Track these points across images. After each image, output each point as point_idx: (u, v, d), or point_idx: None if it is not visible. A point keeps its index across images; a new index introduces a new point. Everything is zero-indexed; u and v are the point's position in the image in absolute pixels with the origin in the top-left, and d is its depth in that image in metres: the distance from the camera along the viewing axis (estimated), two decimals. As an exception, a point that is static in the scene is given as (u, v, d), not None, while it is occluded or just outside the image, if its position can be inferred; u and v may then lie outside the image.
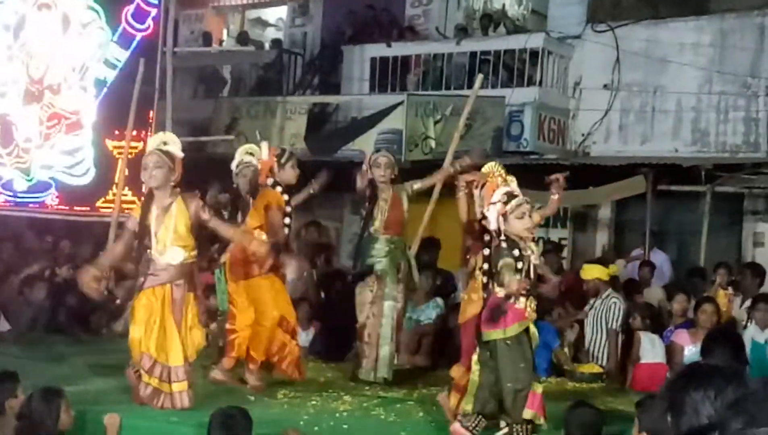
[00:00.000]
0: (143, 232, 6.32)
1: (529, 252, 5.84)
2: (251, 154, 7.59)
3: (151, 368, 6.23)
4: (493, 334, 5.78)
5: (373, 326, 7.58)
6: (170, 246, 6.27)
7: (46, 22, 11.35)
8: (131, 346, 6.34)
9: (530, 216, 5.87)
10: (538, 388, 5.79)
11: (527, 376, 5.76)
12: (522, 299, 5.76)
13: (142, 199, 6.57)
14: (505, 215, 5.76)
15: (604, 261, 9.33)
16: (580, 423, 5.26)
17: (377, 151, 8.34)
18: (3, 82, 11.42)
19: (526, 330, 5.83)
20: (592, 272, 8.74)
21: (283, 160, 7.46)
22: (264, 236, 6.99)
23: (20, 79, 11.36)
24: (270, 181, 7.43)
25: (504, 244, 5.76)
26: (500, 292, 5.78)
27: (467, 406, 5.93)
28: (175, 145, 6.39)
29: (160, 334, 6.25)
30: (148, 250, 6.32)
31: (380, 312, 7.58)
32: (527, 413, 5.71)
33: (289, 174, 7.47)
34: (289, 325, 7.33)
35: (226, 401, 6.24)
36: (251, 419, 5.01)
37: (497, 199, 5.81)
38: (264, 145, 7.63)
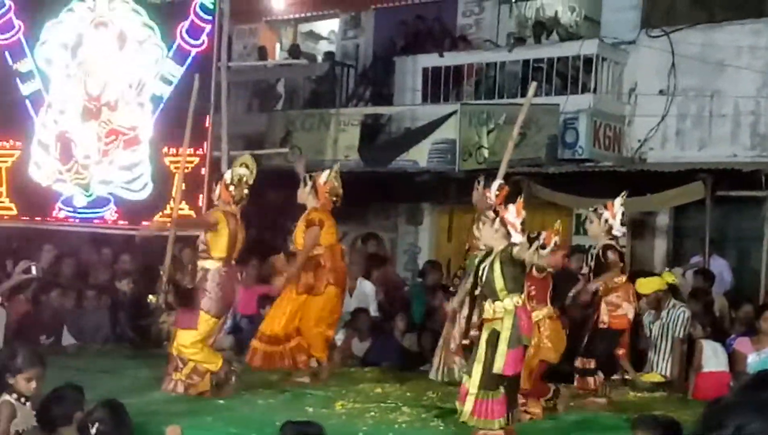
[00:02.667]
0: None
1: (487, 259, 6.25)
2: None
3: None
4: None
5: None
6: None
7: (103, 40, 11.55)
8: None
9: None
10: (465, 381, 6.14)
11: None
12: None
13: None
14: None
15: (653, 273, 9.14)
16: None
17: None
18: (62, 99, 11.66)
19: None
20: (650, 286, 8.58)
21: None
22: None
23: (78, 96, 11.58)
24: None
25: None
26: None
27: None
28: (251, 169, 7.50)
29: None
30: None
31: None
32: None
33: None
34: None
35: (285, 413, 6.28)
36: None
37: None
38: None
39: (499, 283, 6.09)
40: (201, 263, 7.15)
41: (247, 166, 7.73)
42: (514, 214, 6.14)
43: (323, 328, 7.82)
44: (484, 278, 6.16)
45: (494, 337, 6.04)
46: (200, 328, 7.07)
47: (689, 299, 9.09)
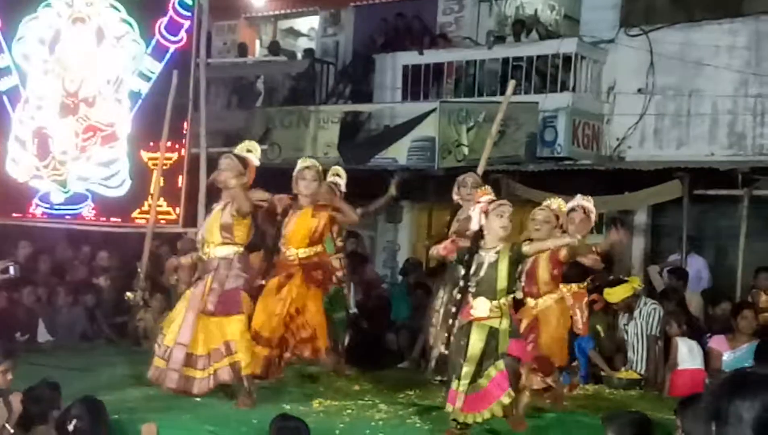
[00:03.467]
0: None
1: (489, 253, 6.04)
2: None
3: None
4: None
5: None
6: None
7: (81, 35, 11.50)
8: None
9: (509, 219, 6.04)
10: (454, 385, 5.97)
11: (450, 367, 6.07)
12: (469, 297, 6.02)
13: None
14: (486, 213, 6.05)
15: (619, 280, 9.12)
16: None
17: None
18: (39, 95, 11.59)
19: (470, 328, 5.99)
20: (618, 294, 8.59)
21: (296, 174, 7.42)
22: None
23: (56, 92, 11.52)
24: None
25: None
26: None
27: None
28: (256, 153, 6.86)
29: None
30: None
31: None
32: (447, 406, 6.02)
33: (299, 186, 7.33)
34: None
35: (262, 411, 6.27)
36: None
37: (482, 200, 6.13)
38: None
39: (502, 283, 5.96)
40: (221, 250, 6.82)
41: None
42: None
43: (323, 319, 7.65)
44: (482, 274, 5.99)
45: (491, 336, 5.94)
46: (244, 309, 6.89)
47: (661, 298, 9.12)
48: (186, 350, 6.74)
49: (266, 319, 7.17)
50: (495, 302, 5.95)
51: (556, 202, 7.06)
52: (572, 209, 6.98)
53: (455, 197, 7.91)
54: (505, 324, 5.97)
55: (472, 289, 6.01)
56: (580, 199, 7.08)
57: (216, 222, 6.79)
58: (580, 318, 7.15)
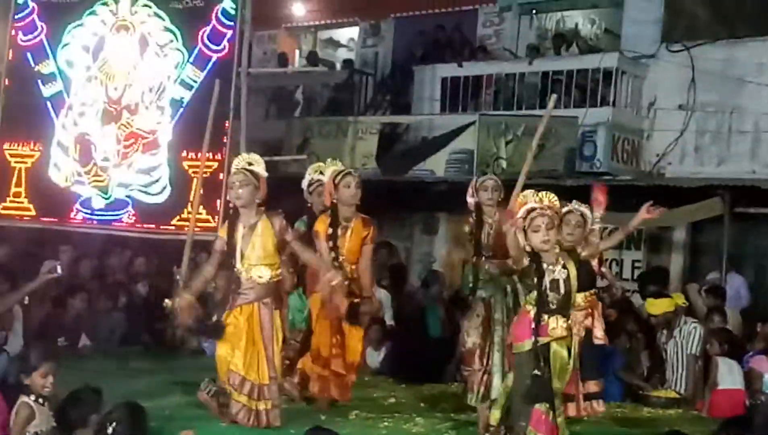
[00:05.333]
0: (231, 252, 6.39)
1: (556, 267, 5.79)
2: (321, 172, 7.64)
3: (241, 385, 6.29)
4: (515, 347, 5.84)
5: (483, 353, 7.45)
6: (257, 265, 6.35)
7: (125, 43, 11.61)
8: (218, 363, 6.41)
9: (548, 229, 5.77)
10: (542, 407, 5.68)
11: (532, 394, 5.68)
12: (545, 316, 5.71)
13: (229, 218, 6.58)
14: (525, 228, 5.81)
15: (661, 293, 9.07)
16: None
17: (483, 173, 8.18)
18: (82, 102, 11.72)
19: (548, 348, 5.75)
20: (660, 307, 8.53)
21: (336, 180, 7.14)
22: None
23: (99, 99, 11.64)
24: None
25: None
26: (526, 306, 5.84)
27: (495, 415, 6.01)
28: (259, 165, 6.49)
29: (248, 352, 6.31)
30: (236, 269, 6.38)
31: (490, 338, 7.46)
32: (527, 430, 5.69)
33: (344, 194, 7.13)
34: None
35: (298, 421, 6.28)
36: None
37: (519, 216, 5.85)
38: (329, 171, 7.41)
39: (576, 297, 5.86)
40: (266, 271, 6.52)
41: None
42: None
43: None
44: (563, 291, 5.75)
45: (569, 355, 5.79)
46: None
47: (706, 316, 9.05)
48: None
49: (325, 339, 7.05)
50: (570, 320, 5.82)
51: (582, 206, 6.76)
52: (569, 211, 6.76)
53: (470, 201, 7.34)
54: (576, 342, 5.87)
55: (552, 307, 5.74)
56: (575, 204, 6.86)
57: (266, 241, 6.44)
58: (599, 327, 7.05)
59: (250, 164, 6.49)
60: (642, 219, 6.64)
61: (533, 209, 5.81)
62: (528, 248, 5.80)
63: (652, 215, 6.60)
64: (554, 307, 5.71)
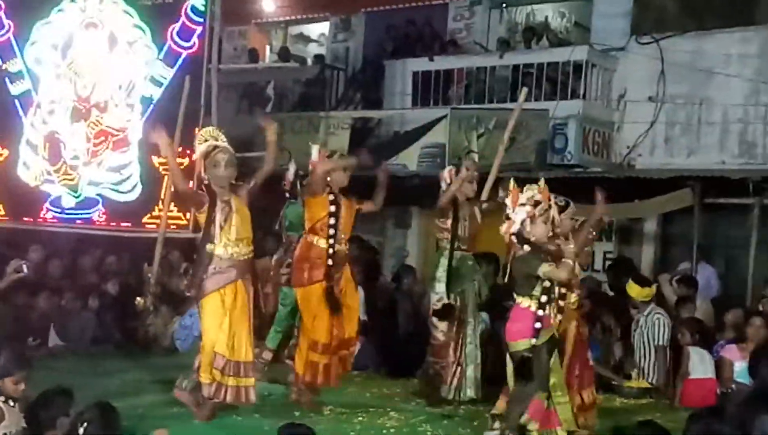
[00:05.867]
0: (207, 230, 6.38)
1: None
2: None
3: (225, 367, 6.30)
4: (521, 344, 5.80)
5: (457, 345, 7.49)
6: (237, 240, 6.35)
7: (93, 40, 11.56)
8: (205, 347, 6.36)
9: (552, 223, 5.90)
10: (541, 396, 5.78)
11: (535, 386, 5.77)
12: (548, 309, 5.82)
13: (209, 196, 6.46)
14: (533, 218, 5.83)
15: (647, 280, 9.15)
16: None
17: (455, 164, 8.20)
18: (51, 100, 11.65)
19: (551, 338, 5.87)
20: (637, 292, 8.63)
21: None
22: None
23: (68, 96, 11.57)
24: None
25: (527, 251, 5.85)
26: (523, 301, 5.83)
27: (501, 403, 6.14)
28: (222, 139, 6.54)
29: (232, 331, 6.31)
30: (209, 248, 6.35)
31: (464, 331, 7.50)
32: (522, 418, 5.76)
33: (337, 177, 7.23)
34: None
35: (273, 418, 6.27)
36: None
37: (525, 202, 5.85)
38: (314, 147, 7.50)
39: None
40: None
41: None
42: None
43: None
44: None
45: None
46: None
47: (676, 307, 9.12)
48: None
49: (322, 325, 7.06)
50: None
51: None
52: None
53: (452, 191, 7.52)
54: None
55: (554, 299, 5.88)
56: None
57: (243, 216, 6.48)
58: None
59: (220, 139, 6.53)
60: (600, 212, 6.64)
61: (539, 203, 5.85)
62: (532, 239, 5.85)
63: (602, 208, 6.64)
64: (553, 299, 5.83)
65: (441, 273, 7.54)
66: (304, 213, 7.31)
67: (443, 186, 7.64)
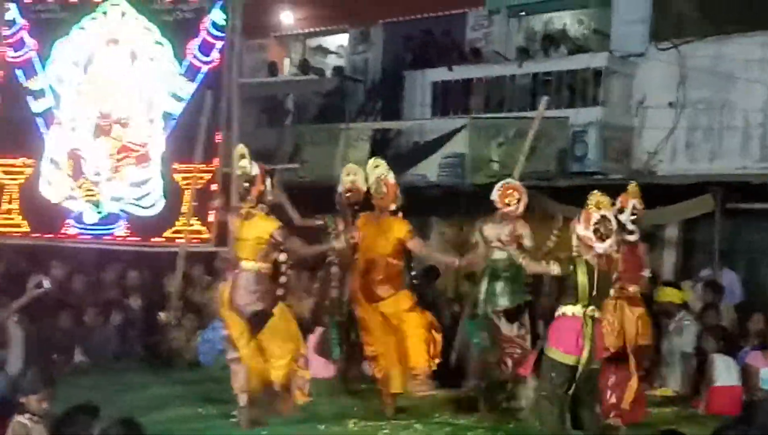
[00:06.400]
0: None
1: None
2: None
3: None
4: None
5: None
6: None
7: (115, 57, 11.63)
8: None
9: None
10: None
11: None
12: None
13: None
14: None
15: (677, 284, 9.16)
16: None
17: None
18: (73, 116, 11.72)
19: None
20: (666, 295, 8.60)
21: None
22: None
23: (89, 113, 11.65)
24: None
25: None
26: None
27: None
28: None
29: None
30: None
31: None
32: None
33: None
34: None
35: (298, 431, 6.29)
36: None
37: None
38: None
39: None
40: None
41: None
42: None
43: None
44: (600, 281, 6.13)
45: None
46: None
47: (702, 313, 9.06)
48: None
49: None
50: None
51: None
52: None
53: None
54: None
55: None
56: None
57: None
58: None
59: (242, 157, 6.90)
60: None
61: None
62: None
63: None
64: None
65: None
66: None
67: None
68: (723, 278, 10.71)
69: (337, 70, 16.07)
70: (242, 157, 6.91)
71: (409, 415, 7.35)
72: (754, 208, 11.38)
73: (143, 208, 11.35)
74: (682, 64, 12.67)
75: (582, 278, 6.08)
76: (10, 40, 11.99)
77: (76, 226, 11.55)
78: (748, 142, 12.25)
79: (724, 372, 8.06)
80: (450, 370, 8.47)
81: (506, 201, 7.41)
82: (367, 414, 7.31)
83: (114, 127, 11.54)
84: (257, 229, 6.69)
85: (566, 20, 14.94)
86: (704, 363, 8.25)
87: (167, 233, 11.17)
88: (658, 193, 11.24)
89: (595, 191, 6.33)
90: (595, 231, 6.11)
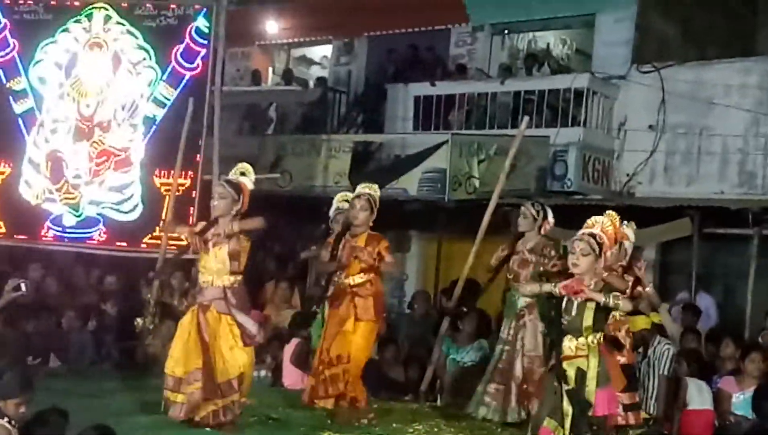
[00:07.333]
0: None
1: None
2: (346, 201, 7.76)
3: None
4: None
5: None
6: (214, 270, 6.68)
7: (98, 60, 11.59)
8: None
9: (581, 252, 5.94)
10: (551, 424, 5.80)
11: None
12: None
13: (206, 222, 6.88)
14: None
15: (638, 311, 9.14)
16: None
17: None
18: (54, 119, 11.66)
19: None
20: (636, 324, 8.61)
21: None
22: None
23: (71, 116, 11.60)
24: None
25: None
26: None
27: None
28: (250, 176, 6.83)
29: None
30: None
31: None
32: None
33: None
34: None
35: None
36: None
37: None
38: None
39: (588, 320, 5.83)
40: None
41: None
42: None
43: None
44: (573, 313, 5.84)
45: (579, 376, 5.82)
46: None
47: (684, 336, 9.11)
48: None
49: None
50: (582, 340, 5.83)
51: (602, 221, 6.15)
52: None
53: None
54: (592, 365, 5.83)
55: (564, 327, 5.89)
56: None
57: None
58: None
59: (242, 174, 6.84)
60: None
61: None
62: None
63: None
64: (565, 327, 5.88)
65: None
66: None
67: None
68: (699, 302, 10.80)
69: (320, 80, 16.11)
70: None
71: (383, 426, 7.36)
72: (732, 234, 11.49)
73: (122, 212, 11.30)
74: (663, 87, 12.79)
75: None
76: (-9, 40, 11.93)
77: (54, 229, 11.48)
78: (726, 168, 12.39)
79: (697, 396, 8.10)
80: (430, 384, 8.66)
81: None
82: (341, 427, 7.29)
83: (95, 131, 11.49)
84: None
85: (549, 40, 15.06)
86: (678, 386, 8.29)
87: (146, 239, 11.13)
88: (636, 215, 11.33)
89: None
90: None
